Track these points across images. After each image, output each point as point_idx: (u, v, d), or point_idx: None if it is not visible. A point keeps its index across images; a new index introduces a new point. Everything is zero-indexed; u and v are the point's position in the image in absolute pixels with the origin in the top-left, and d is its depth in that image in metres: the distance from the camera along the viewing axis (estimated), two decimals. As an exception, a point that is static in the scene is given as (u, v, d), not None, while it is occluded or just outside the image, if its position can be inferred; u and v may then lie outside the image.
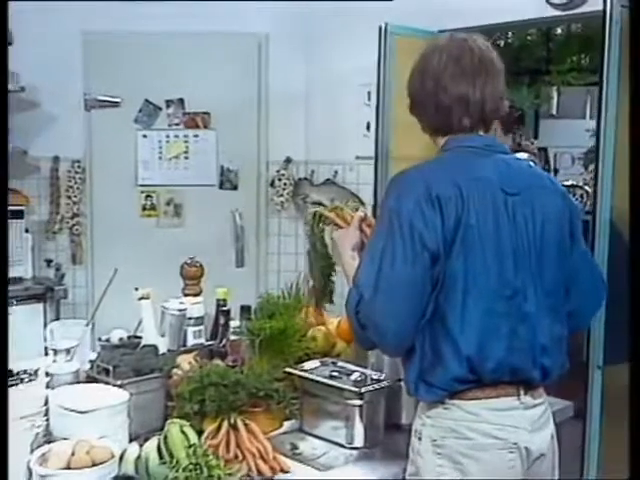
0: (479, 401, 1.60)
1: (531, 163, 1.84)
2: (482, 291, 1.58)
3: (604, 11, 2.72)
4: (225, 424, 1.84)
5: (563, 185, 1.84)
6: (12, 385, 1.76)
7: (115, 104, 4.44)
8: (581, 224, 1.78)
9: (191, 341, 2.44)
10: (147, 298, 2.24)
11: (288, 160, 4.56)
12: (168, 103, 4.51)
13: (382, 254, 1.57)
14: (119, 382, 1.91)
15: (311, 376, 1.99)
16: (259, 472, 1.74)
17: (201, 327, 2.48)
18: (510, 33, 5.41)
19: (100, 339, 2.33)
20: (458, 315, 1.57)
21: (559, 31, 5.93)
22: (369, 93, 4.15)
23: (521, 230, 1.63)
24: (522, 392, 1.64)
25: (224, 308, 2.38)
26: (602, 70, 2.73)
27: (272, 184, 4.57)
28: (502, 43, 5.52)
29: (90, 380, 1.99)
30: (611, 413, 2.78)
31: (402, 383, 1.94)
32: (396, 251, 1.56)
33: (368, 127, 4.06)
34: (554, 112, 6.93)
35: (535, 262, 1.65)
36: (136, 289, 2.27)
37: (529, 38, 5.80)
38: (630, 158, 1.66)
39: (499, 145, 1.73)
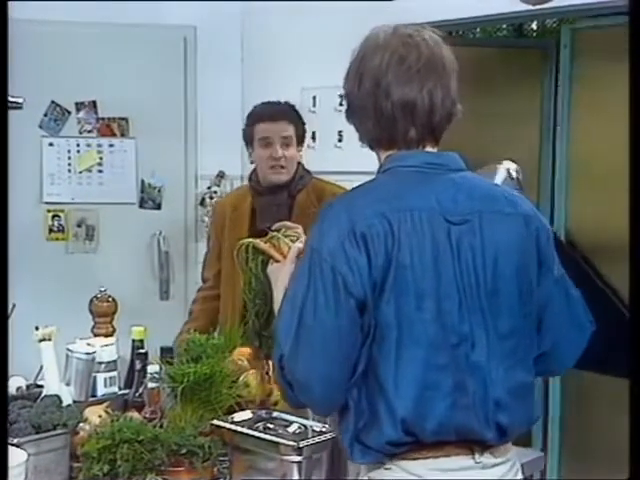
0: (425, 461, 1.61)
1: (486, 180, 1.80)
2: (419, 341, 1.57)
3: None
4: (140, 487, 1.86)
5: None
6: None
7: (17, 106, 4.41)
8: (553, 248, 1.75)
9: (101, 390, 2.45)
10: (49, 339, 2.24)
11: (221, 175, 4.60)
12: (79, 106, 4.50)
13: (303, 302, 1.58)
14: (16, 440, 1.91)
15: (242, 429, 2.01)
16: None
17: (113, 373, 2.49)
18: (477, 30, 5.55)
19: (-6, 389, 2.33)
20: (392, 370, 1.57)
21: (534, 27, 6.10)
22: (314, 98, 4.23)
23: (467, 265, 1.61)
24: (477, 452, 1.64)
25: (141, 350, 2.40)
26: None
27: (202, 203, 4.60)
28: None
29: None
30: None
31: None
32: (318, 299, 1.56)
33: (314, 137, 4.12)
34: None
35: (487, 302, 1.62)
36: (36, 328, 2.27)
37: (499, 35, 5.96)
38: (630, 164, 1.72)
39: (449, 162, 1.70)
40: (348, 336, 1.58)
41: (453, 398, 1.59)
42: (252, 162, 3.13)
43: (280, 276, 1.85)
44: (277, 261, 1.94)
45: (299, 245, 1.88)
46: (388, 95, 1.64)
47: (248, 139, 3.08)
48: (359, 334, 1.58)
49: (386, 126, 1.67)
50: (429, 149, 1.71)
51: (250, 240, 2.05)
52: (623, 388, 1.82)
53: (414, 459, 1.61)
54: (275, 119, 3.01)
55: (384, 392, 1.58)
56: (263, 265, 2.00)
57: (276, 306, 1.79)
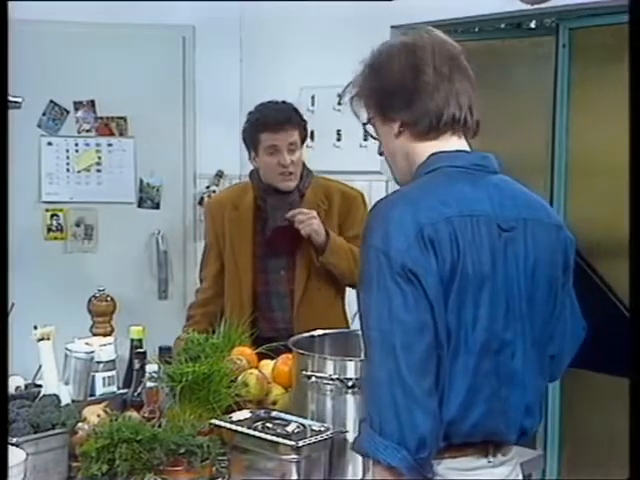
0: (444, 460, 1.61)
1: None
2: (472, 349, 1.58)
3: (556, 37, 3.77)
4: (139, 486, 1.85)
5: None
6: None
7: (15, 105, 4.41)
8: (574, 258, 1.77)
9: (100, 389, 2.45)
10: (47, 339, 2.24)
11: (219, 174, 4.60)
12: (77, 105, 4.51)
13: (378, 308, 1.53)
14: (15, 440, 1.90)
15: (241, 428, 2.01)
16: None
17: (112, 373, 2.48)
18: (476, 29, 5.54)
19: (-7, 388, 2.33)
20: (445, 377, 1.56)
21: (532, 26, 6.08)
22: (313, 97, 4.23)
23: (512, 272, 1.62)
24: (491, 452, 1.66)
25: (139, 350, 2.40)
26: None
27: (200, 202, 4.59)
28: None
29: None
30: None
31: (347, 435, 1.99)
32: (393, 299, 1.52)
33: (312, 136, 4.11)
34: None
35: (525, 309, 1.64)
36: (35, 328, 2.27)
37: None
38: (630, 166, 1.73)
39: (491, 164, 1.71)
40: (430, 333, 1.53)
41: (490, 403, 1.61)
42: (253, 164, 3.09)
43: None
44: None
45: None
46: (451, 81, 1.65)
47: (252, 144, 3.02)
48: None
49: (447, 107, 1.65)
50: (468, 150, 1.71)
51: None
52: (623, 387, 1.83)
53: (434, 459, 1.59)
54: (281, 128, 2.94)
55: None
56: None
57: None
